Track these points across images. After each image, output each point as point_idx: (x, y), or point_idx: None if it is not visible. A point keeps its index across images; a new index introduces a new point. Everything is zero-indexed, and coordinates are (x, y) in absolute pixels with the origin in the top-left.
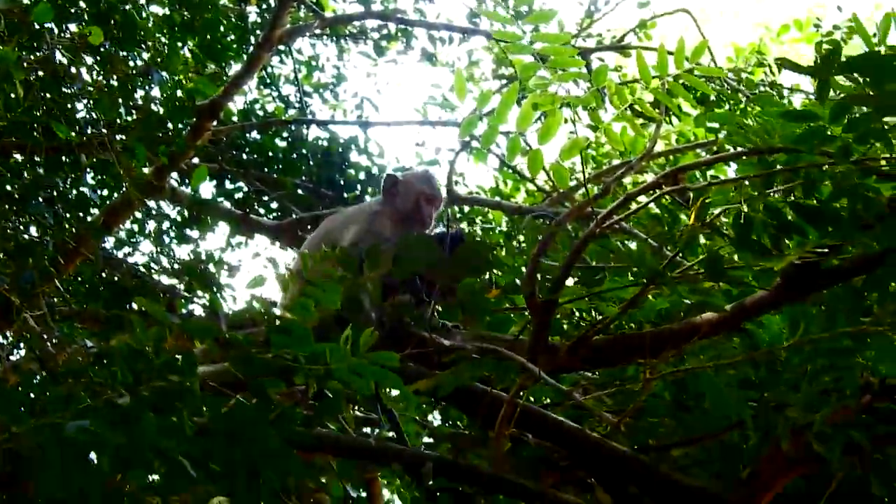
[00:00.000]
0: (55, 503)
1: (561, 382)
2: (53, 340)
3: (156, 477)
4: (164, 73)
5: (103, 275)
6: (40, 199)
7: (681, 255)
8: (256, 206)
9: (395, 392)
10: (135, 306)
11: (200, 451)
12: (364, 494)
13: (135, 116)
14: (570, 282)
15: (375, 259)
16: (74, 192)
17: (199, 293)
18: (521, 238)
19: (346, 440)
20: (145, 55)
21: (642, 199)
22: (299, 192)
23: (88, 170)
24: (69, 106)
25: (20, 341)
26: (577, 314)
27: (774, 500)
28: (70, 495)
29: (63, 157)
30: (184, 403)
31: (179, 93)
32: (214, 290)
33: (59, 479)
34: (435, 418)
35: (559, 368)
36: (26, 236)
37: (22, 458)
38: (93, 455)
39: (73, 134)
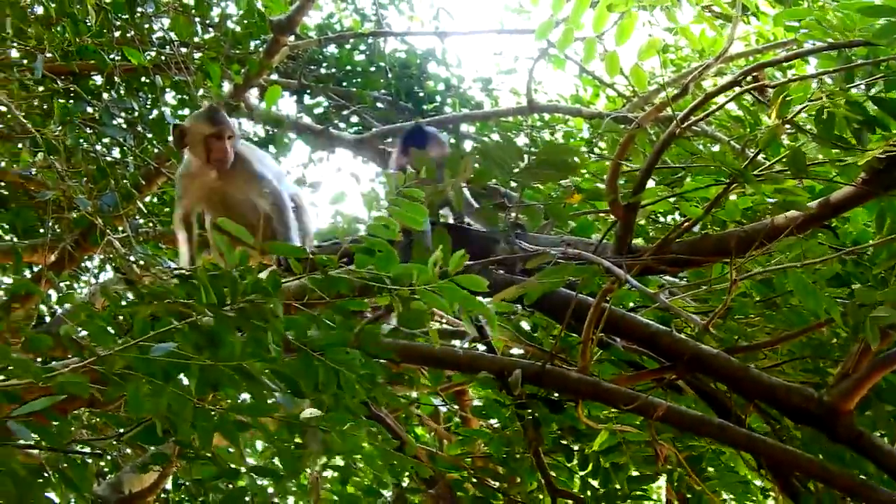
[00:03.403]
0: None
1: (646, 285)
2: (140, 262)
3: (246, 396)
4: None
5: None
6: (120, 121)
7: (763, 154)
8: (336, 121)
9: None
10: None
11: (287, 370)
12: (455, 407)
13: (211, 34)
14: (651, 184)
15: (457, 166)
16: (154, 112)
17: None
18: (602, 144)
19: (434, 350)
20: None
21: (723, 99)
22: (378, 105)
23: (168, 90)
24: (145, 26)
25: (105, 264)
26: (659, 217)
27: (865, 397)
28: (159, 415)
29: (141, 78)
30: (268, 324)
31: (255, 8)
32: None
33: (147, 401)
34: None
35: (644, 271)
36: (108, 158)
37: (111, 380)
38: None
39: (149, 56)
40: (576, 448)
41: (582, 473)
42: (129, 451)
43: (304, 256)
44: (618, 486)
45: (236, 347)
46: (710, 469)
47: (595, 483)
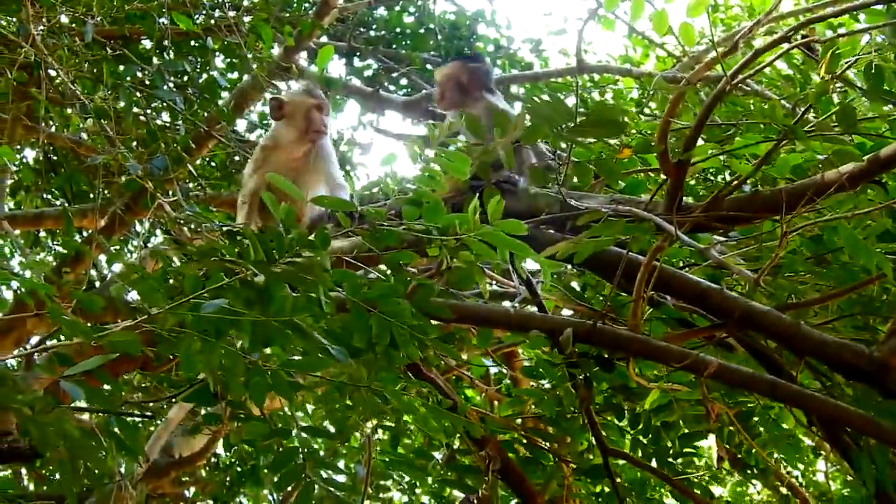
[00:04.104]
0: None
1: (697, 243)
2: (190, 225)
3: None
4: None
5: (236, 158)
6: (170, 85)
7: (813, 111)
8: (386, 83)
9: (532, 264)
10: None
11: (339, 327)
12: (506, 370)
13: None
14: (700, 143)
15: (505, 125)
16: (204, 76)
17: None
18: (653, 105)
19: (484, 309)
20: None
21: (773, 56)
22: (428, 66)
23: (217, 53)
24: None
25: (156, 227)
26: (709, 174)
27: None
28: (211, 372)
29: (191, 42)
30: (317, 279)
31: None
32: (347, 168)
33: (199, 358)
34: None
35: (695, 228)
36: (158, 122)
37: (163, 339)
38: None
39: (199, 19)
40: (626, 408)
41: (632, 432)
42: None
43: (353, 211)
44: (669, 444)
45: (287, 303)
46: (762, 429)
47: (645, 441)
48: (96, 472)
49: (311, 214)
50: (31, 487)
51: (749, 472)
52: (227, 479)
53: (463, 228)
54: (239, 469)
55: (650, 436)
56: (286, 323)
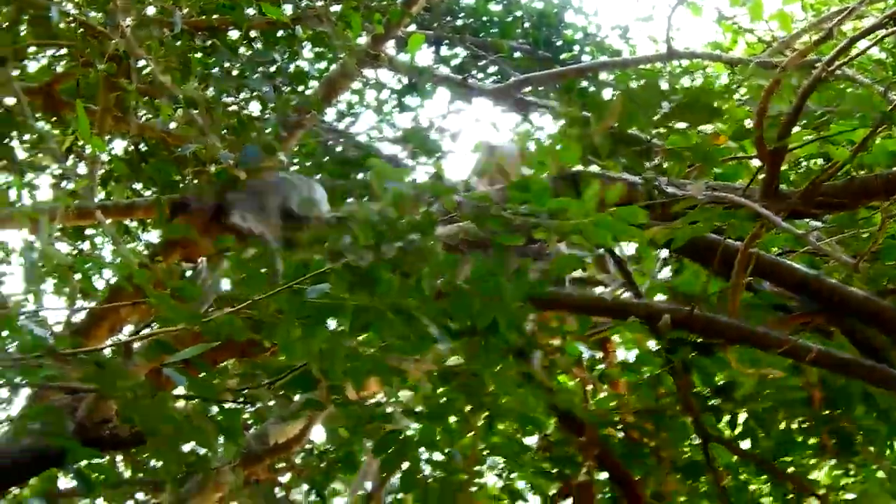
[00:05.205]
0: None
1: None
2: None
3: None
4: None
5: (326, 146)
6: (259, 75)
7: None
8: (474, 72)
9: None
10: (359, 176)
11: (440, 311)
12: (599, 355)
13: None
14: (795, 129)
15: (601, 112)
16: (293, 66)
17: (423, 160)
18: (743, 91)
19: (582, 296)
20: None
21: (866, 42)
22: (516, 54)
23: (306, 43)
24: None
25: None
26: (804, 162)
27: None
28: (312, 358)
29: (279, 32)
30: (426, 262)
31: None
32: (438, 156)
33: (299, 344)
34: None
35: (792, 215)
36: (248, 112)
37: (263, 325)
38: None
39: (287, 11)
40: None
41: (731, 433)
42: (271, 403)
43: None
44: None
45: (393, 285)
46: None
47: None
48: (199, 454)
49: None
50: (128, 473)
51: (848, 456)
52: (323, 464)
53: (577, 213)
54: (334, 454)
55: (756, 426)
56: (390, 306)
